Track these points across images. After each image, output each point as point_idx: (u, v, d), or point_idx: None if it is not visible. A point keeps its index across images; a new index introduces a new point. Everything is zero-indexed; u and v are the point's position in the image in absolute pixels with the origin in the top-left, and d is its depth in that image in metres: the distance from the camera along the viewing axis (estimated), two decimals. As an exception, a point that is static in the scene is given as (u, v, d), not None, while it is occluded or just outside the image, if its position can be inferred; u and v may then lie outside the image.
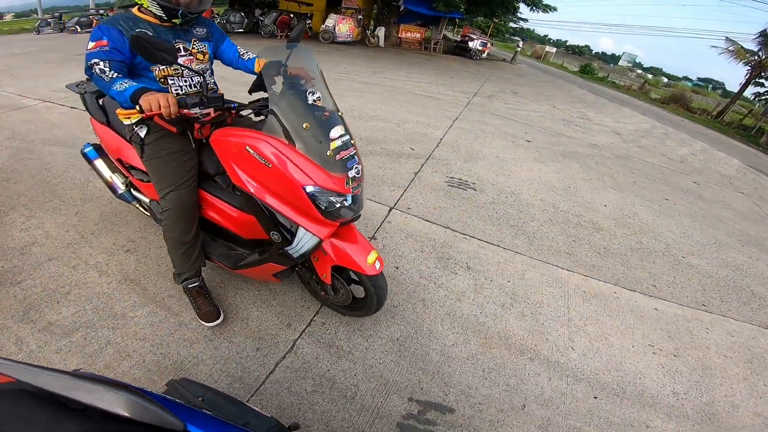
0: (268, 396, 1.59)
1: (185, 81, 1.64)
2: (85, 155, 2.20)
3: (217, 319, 1.84)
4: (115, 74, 1.36)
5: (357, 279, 1.73)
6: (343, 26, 14.26)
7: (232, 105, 1.43)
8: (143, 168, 1.78)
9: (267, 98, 1.46)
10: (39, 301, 1.89)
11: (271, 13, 14.46)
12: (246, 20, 14.72)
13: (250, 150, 1.40)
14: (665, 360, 2.07)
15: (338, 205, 1.42)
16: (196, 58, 1.66)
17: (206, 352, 1.72)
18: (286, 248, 1.52)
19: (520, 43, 21.51)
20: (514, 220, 3.15)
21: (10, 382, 0.59)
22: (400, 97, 6.67)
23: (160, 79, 1.57)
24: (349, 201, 1.46)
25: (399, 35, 16.37)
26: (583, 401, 1.74)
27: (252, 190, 1.46)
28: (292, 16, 14.99)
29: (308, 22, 15.40)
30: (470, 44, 17.15)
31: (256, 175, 1.44)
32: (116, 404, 0.52)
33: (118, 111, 1.62)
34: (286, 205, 1.45)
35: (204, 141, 1.70)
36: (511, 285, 2.38)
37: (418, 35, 16.76)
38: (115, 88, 1.32)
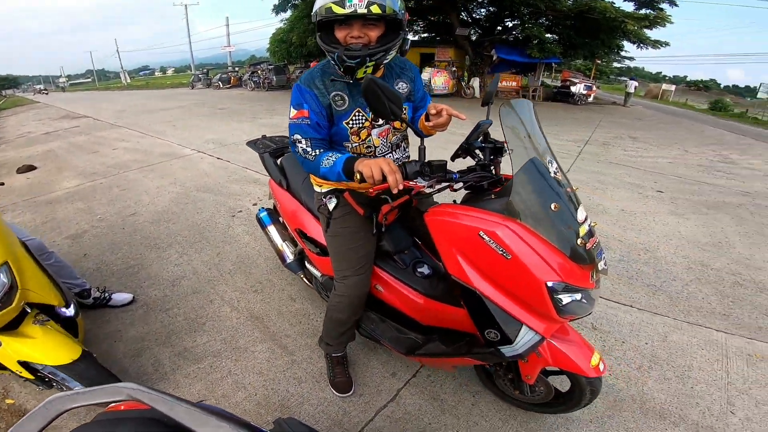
0: None
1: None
2: (259, 220, 2.23)
3: (348, 391, 1.75)
4: (318, 151, 1.25)
5: (558, 372, 1.47)
6: (438, 79, 14.90)
7: (454, 176, 1.20)
8: (323, 241, 1.69)
9: (481, 166, 1.27)
10: (180, 329, 2.15)
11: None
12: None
13: (484, 236, 1.15)
14: None
15: (577, 301, 1.16)
16: (393, 127, 1.40)
17: (312, 392, 1.76)
18: (500, 347, 1.28)
19: (634, 84, 19.03)
20: (650, 279, 2.73)
21: (145, 409, 0.63)
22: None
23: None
24: (589, 296, 1.20)
25: (495, 84, 16.38)
26: None
27: (475, 284, 1.23)
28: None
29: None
30: (573, 89, 16.31)
31: (485, 267, 1.20)
32: None
33: (312, 176, 1.57)
34: (512, 300, 1.21)
35: (383, 229, 1.56)
36: (649, 347, 2.07)
37: (514, 83, 16.65)
38: (323, 165, 1.22)
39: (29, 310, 1.53)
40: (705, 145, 8.61)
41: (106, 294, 2.29)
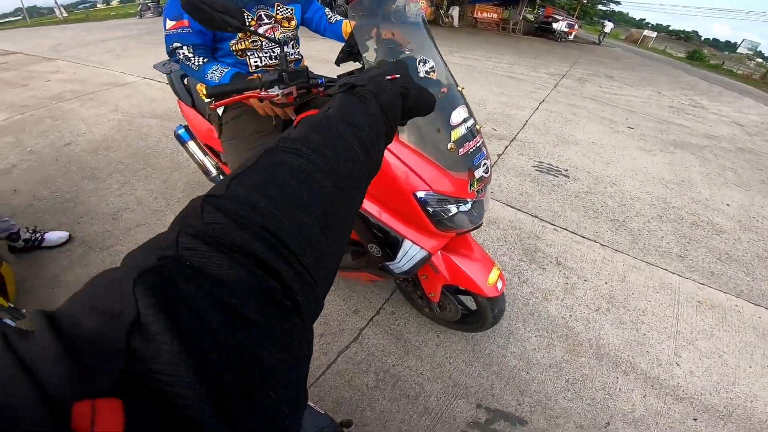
0: (326, 388, 1.49)
1: (265, 53, 1.41)
2: (178, 137, 2.18)
3: None
4: (203, 60, 1.23)
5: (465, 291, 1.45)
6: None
7: (319, 80, 1.15)
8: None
9: (361, 70, 1.16)
10: None
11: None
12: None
13: None
14: (785, 383, 1.71)
15: (454, 212, 1.11)
16: (281, 26, 1.41)
17: None
18: (386, 263, 1.25)
19: (610, 26, 19.37)
20: (614, 213, 2.73)
21: None
22: (479, 76, 6.32)
23: (237, 53, 1.36)
24: (469, 206, 1.13)
25: (474, 15, 15.63)
26: (680, 423, 1.49)
27: None
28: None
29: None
30: (555, 25, 15.77)
31: None
32: None
33: (198, 86, 1.52)
34: (389, 212, 1.17)
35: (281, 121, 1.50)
36: (608, 287, 2.06)
37: (494, 15, 15.86)
38: (209, 77, 1.20)
39: None
40: (678, 89, 8.63)
41: (38, 234, 2.04)
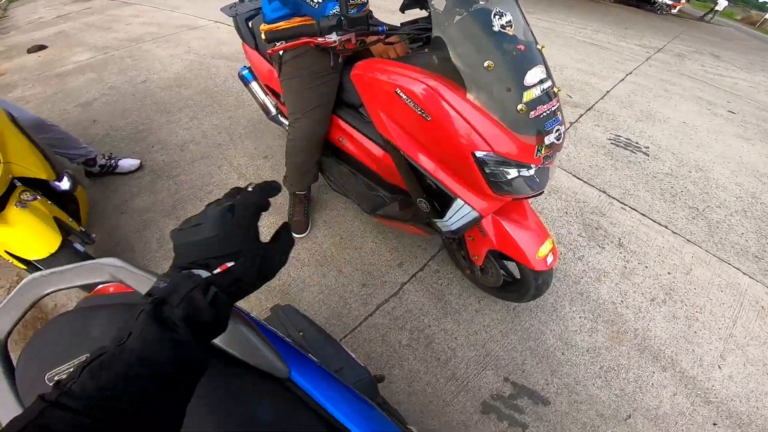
0: (360, 340, 1.50)
1: None
2: (242, 77, 2.25)
3: (303, 232, 1.86)
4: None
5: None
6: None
7: (380, 28, 1.08)
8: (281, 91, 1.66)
9: (428, 19, 1.09)
10: (186, 198, 2.09)
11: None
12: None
13: (401, 94, 1.05)
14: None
15: (513, 176, 1.02)
16: None
17: (314, 278, 1.69)
18: (434, 219, 1.22)
19: (722, 3, 16.13)
20: (694, 200, 2.44)
21: (127, 292, 0.55)
22: (557, 40, 5.79)
23: None
24: (531, 172, 1.04)
25: (560, -22, 14.08)
26: (700, 426, 1.42)
27: (401, 146, 1.13)
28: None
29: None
30: (656, -5, 13.76)
31: (409, 128, 1.11)
32: (228, 341, 0.48)
33: (261, 27, 1.53)
34: (443, 168, 1.10)
35: (341, 62, 1.48)
36: (670, 278, 1.90)
37: (585, -21, 14.17)
38: (331, 15, 1.20)
39: (18, 184, 1.47)
40: (798, 76, 7.31)
41: (113, 161, 2.21)
